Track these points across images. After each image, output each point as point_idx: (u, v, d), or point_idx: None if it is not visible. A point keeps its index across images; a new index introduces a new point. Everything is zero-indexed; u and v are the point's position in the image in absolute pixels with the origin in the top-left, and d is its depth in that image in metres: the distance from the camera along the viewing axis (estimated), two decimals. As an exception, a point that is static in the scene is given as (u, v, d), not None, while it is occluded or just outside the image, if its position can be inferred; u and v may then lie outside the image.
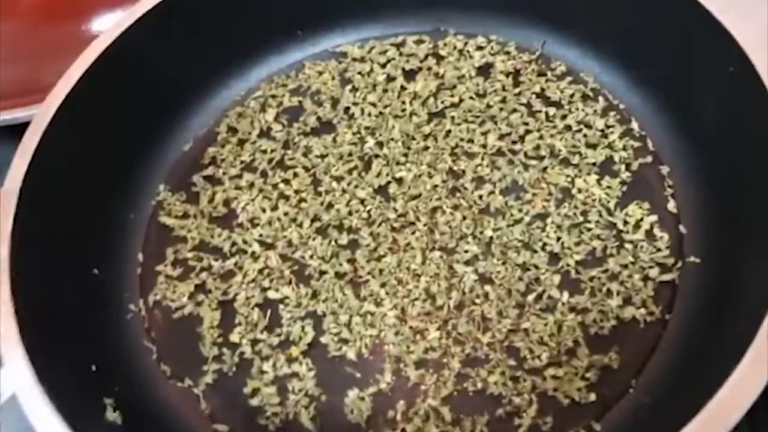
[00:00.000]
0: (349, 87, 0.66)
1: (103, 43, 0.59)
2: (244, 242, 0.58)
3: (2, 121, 0.69)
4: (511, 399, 0.49)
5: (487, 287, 0.53)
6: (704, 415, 0.38)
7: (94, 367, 0.50)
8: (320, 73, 0.68)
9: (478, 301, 0.53)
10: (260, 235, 0.59)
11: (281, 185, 0.61)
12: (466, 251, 0.55)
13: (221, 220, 0.60)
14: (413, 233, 0.57)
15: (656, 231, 0.55)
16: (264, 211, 0.60)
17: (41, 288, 0.50)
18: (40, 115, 0.55)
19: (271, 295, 0.56)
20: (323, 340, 0.53)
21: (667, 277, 0.52)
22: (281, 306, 0.55)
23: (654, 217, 0.55)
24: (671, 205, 0.56)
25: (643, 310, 0.51)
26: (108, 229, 0.59)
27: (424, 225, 0.57)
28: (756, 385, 0.38)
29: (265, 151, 0.63)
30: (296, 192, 0.61)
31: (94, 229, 0.58)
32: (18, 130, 0.63)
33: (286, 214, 0.59)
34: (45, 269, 0.52)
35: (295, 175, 0.62)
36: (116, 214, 0.60)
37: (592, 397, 0.48)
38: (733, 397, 0.38)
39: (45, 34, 0.83)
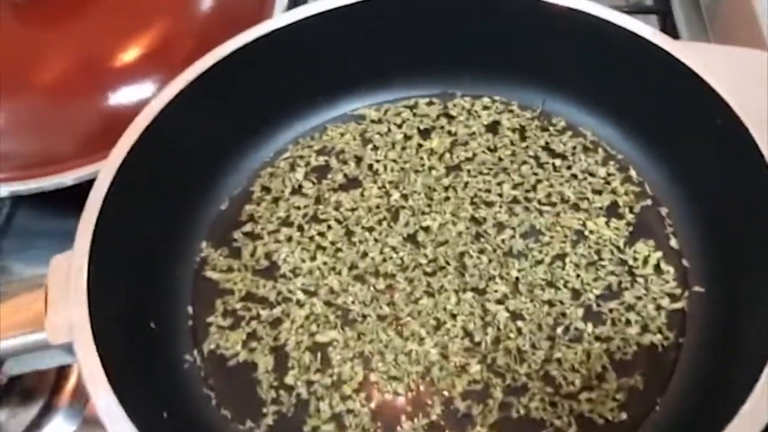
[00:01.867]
0: (370, 146, 0.73)
1: (147, 116, 0.63)
2: (289, 291, 0.63)
3: (21, 192, 0.72)
4: (552, 422, 0.54)
5: (519, 323, 0.59)
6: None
7: (165, 414, 0.53)
8: (342, 135, 0.74)
9: (512, 335, 0.59)
10: (303, 284, 0.63)
11: (317, 237, 0.66)
12: (496, 291, 0.61)
13: (264, 272, 0.65)
14: (445, 276, 0.62)
15: (663, 265, 0.62)
16: (304, 261, 0.65)
17: (114, 343, 0.53)
18: (99, 184, 0.59)
19: (320, 338, 0.60)
20: (373, 377, 0.58)
21: (676, 305, 0.59)
22: (330, 348, 0.59)
23: (659, 254, 0.62)
24: (673, 242, 0.63)
25: (659, 336, 0.58)
26: (158, 285, 0.63)
27: (454, 269, 0.63)
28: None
29: (298, 207, 0.69)
30: (332, 243, 0.66)
31: (146, 287, 0.62)
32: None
33: (324, 263, 0.64)
34: (114, 326, 0.55)
35: (329, 227, 0.67)
36: (165, 272, 0.64)
37: (624, 416, 0.54)
38: (755, 412, 0.44)
39: (62, 109, 0.84)
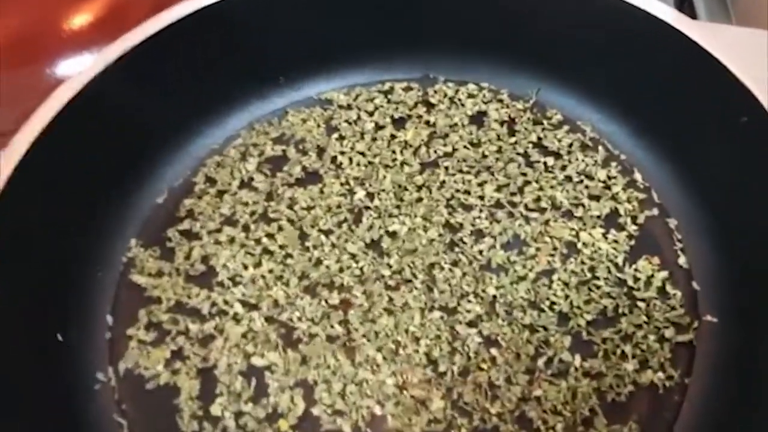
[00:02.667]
0: (335, 135, 0.63)
1: (70, 89, 0.54)
2: (225, 303, 0.53)
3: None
4: (526, 476, 0.45)
5: (494, 350, 0.50)
6: None
7: (57, 448, 0.44)
8: (304, 121, 0.64)
9: (484, 366, 0.49)
10: (243, 295, 0.54)
11: (265, 240, 0.57)
12: (468, 311, 0.52)
13: (199, 279, 0.55)
14: (410, 291, 0.53)
15: (668, 288, 0.52)
16: (246, 268, 0.55)
17: (3, 361, 0.44)
18: (2, 168, 0.50)
19: (256, 361, 0.51)
20: (315, 411, 0.48)
21: (683, 337, 0.49)
22: (267, 373, 0.50)
23: (665, 273, 0.52)
24: (682, 260, 0.53)
25: (661, 374, 0.48)
26: (73, 288, 0.54)
27: (422, 283, 0.53)
28: None
29: (246, 204, 0.59)
30: (281, 247, 0.56)
31: (57, 290, 0.52)
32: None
33: (270, 271, 0.55)
34: (2, 334, 0.46)
35: (280, 228, 0.57)
36: (83, 272, 0.55)
37: (614, 472, 0.45)
38: None
39: (4, 78, 0.78)
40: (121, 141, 0.58)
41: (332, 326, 0.52)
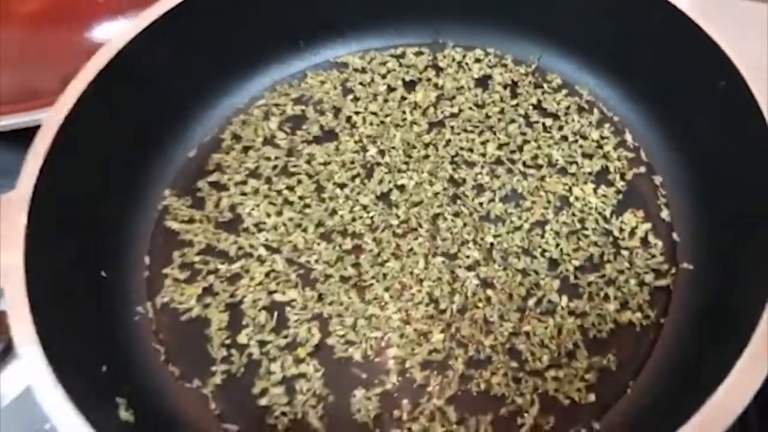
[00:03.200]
0: (350, 97, 0.68)
1: (109, 52, 0.60)
2: (251, 246, 0.59)
3: (1, 127, 0.69)
4: (513, 399, 0.51)
5: (489, 291, 0.55)
6: (699, 417, 0.40)
7: (104, 368, 0.50)
8: (322, 83, 0.70)
9: (480, 304, 0.55)
10: (266, 240, 0.60)
11: (285, 191, 0.62)
12: (468, 257, 0.57)
13: (227, 225, 0.61)
14: (416, 239, 0.58)
15: (651, 238, 0.57)
16: (269, 216, 0.61)
17: (52, 290, 0.50)
18: (49, 121, 0.55)
19: (278, 297, 0.57)
20: (330, 341, 0.54)
21: (661, 282, 0.55)
22: (288, 308, 0.56)
23: (648, 225, 0.57)
24: (665, 214, 0.58)
25: (639, 314, 0.53)
26: (114, 233, 0.60)
27: (426, 231, 0.59)
28: (749, 390, 0.40)
29: (269, 158, 0.65)
30: (300, 198, 0.62)
31: (101, 234, 0.58)
32: (16, 136, 0.65)
33: (290, 219, 0.61)
34: (55, 271, 0.52)
35: (299, 181, 0.63)
36: (122, 218, 0.61)
37: (592, 397, 0.50)
38: (727, 400, 0.40)
39: (43, 41, 0.83)
40: (155, 101, 0.64)
41: (345, 268, 0.57)
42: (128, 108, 0.62)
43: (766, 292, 0.43)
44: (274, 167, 0.64)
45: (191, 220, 0.62)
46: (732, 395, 0.40)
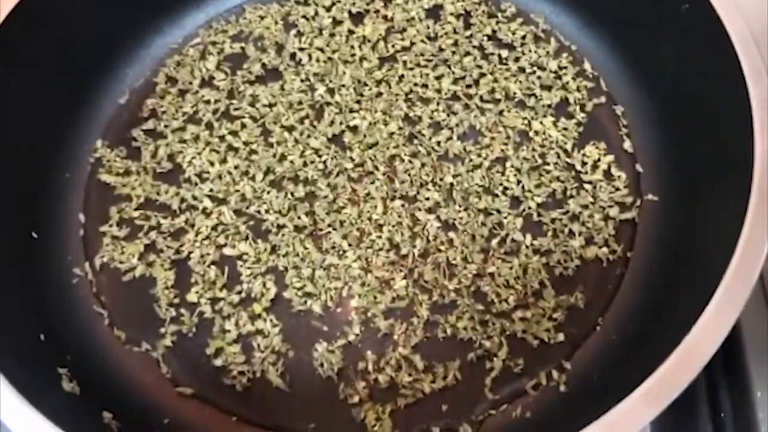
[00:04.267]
0: (293, 32, 0.63)
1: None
2: (194, 198, 0.55)
3: None
4: (481, 343, 0.49)
5: (451, 234, 0.53)
6: (674, 358, 0.38)
7: (42, 336, 0.47)
8: (262, 18, 0.64)
9: (442, 248, 0.52)
10: (210, 190, 0.56)
11: (229, 137, 0.58)
12: (428, 199, 0.54)
13: (167, 176, 0.57)
14: (372, 183, 0.55)
15: (614, 170, 0.55)
16: (212, 164, 0.57)
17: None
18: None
19: (228, 251, 0.53)
20: (286, 295, 0.51)
21: (626, 215, 0.53)
22: (239, 262, 0.53)
23: (611, 157, 0.56)
24: (627, 145, 0.56)
25: (605, 249, 0.52)
26: (43, 189, 0.55)
27: (383, 174, 0.56)
28: (725, 326, 0.39)
29: (208, 102, 0.60)
30: (245, 144, 0.58)
31: (28, 191, 0.54)
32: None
33: (236, 167, 0.57)
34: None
35: (243, 126, 0.59)
36: (52, 174, 0.56)
37: (561, 337, 0.49)
38: (702, 339, 0.39)
39: None
40: (79, 42, 0.58)
41: (299, 217, 0.54)
42: (48, 48, 0.56)
43: (736, 224, 0.42)
44: (215, 111, 0.59)
45: (127, 173, 0.57)
46: (705, 333, 0.39)
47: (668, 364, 0.38)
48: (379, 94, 0.59)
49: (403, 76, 0.60)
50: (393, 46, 0.62)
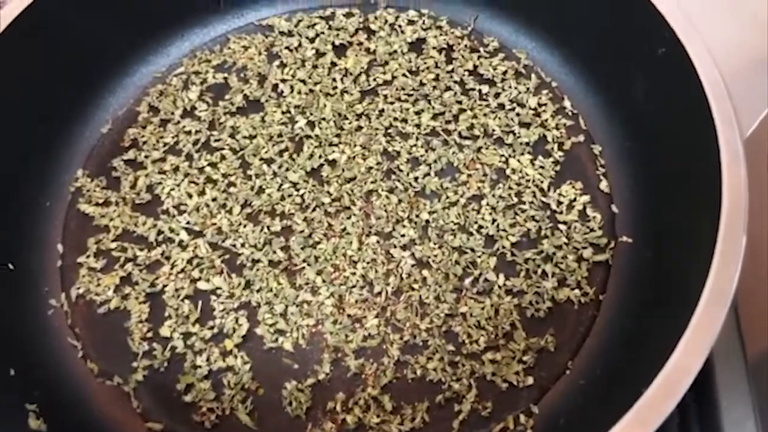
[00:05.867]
0: (276, 63, 0.64)
1: (11, 12, 0.54)
2: (171, 230, 0.56)
3: None
4: (450, 385, 0.49)
5: (425, 272, 0.53)
6: (645, 397, 0.38)
7: (12, 371, 0.47)
8: (246, 48, 0.65)
9: (415, 286, 0.53)
10: (187, 223, 0.56)
11: (208, 169, 0.58)
12: (403, 235, 0.55)
13: (145, 207, 0.57)
14: (349, 218, 0.56)
15: (589, 211, 0.55)
16: (190, 196, 0.57)
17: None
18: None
19: (202, 285, 0.53)
20: (258, 331, 0.52)
21: (600, 257, 0.53)
22: (213, 297, 0.53)
23: (587, 197, 0.56)
24: (603, 185, 0.56)
25: (577, 291, 0.52)
26: (22, 218, 0.55)
27: (360, 209, 0.56)
28: (692, 371, 0.39)
29: (189, 132, 0.60)
30: (224, 176, 0.58)
31: (6, 221, 0.54)
32: None
33: (214, 199, 0.57)
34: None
35: (223, 157, 0.59)
36: (31, 203, 0.56)
37: (530, 380, 0.49)
38: (668, 385, 0.38)
39: None
40: (64, 68, 0.59)
41: (274, 252, 0.54)
42: (32, 77, 0.57)
43: (706, 266, 0.42)
44: (195, 142, 0.60)
45: (106, 203, 0.58)
46: (675, 375, 0.39)
47: (639, 404, 0.38)
48: (359, 127, 0.60)
49: (383, 110, 0.60)
50: (375, 79, 0.62)
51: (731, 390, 0.52)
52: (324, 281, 0.53)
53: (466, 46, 0.63)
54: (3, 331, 0.50)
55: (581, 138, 0.59)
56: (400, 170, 0.57)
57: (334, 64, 0.63)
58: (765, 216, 0.59)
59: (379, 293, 0.53)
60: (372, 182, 0.57)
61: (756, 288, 0.63)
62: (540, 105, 0.60)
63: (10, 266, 0.53)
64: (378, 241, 0.54)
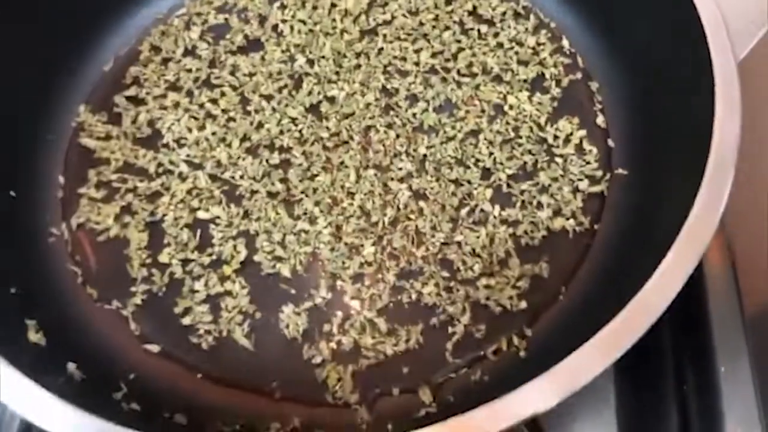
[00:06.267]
0: (277, 4, 0.64)
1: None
2: (171, 163, 0.56)
3: None
4: (444, 308, 0.50)
5: (421, 203, 0.54)
6: (629, 308, 0.39)
7: (13, 290, 0.48)
8: (247, -10, 0.65)
9: (412, 216, 0.53)
10: (187, 156, 0.56)
11: (208, 105, 0.59)
12: (400, 168, 0.55)
13: (146, 141, 0.58)
14: (347, 152, 0.56)
15: (585, 145, 0.56)
16: (190, 131, 0.58)
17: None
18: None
19: (201, 215, 0.54)
20: (256, 258, 0.52)
21: (595, 189, 0.54)
22: (212, 226, 0.54)
23: (583, 132, 0.56)
24: (600, 120, 0.57)
25: (572, 221, 0.52)
26: (25, 151, 0.56)
27: (358, 144, 0.56)
28: (674, 287, 0.39)
29: (190, 70, 0.61)
30: (224, 111, 0.58)
31: (9, 152, 0.55)
32: None
33: (214, 134, 0.57)
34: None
35: (223, 94, 0.59)
36: (33, 136, 0.57)
37: (523, 304, 0.50)
38: (654, 294, 0.39)
39: None
40: (68, 9, 0.59)
41: (273, 183, 0.55)
42: (38, 16, 0.57)
43: (689, 197, 0.42)
44: (196, 79, 0.60)
45: (108, 137, 0.58)
46: (652, 297, 0.39)
47: (622, 315, 0.39)
48: (358, 66, 0.60)
49: (382, 49, 0.61)
50: (374, 19, 0.62)
51: (724, 328, 0.53)
52: (322, 212, 0.54)
53: (465, -14, 0.64)
54: (4, 254, 0.50)
55: (579, 75, 0.59)
56: (399, 106, 0.58)
57: (333, 5, 0.64)
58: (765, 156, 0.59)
59: (376, 223, 0.53)
60: (370, 118, 0.57)
61: (754, 241, 0.63)
62: (539, 44, 0.60)
63: (12, 194, 0.53)
64: (376, 174, 0.55)
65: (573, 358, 0.38)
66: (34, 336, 0.45)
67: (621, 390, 0.53)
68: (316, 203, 0.54)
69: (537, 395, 0.37)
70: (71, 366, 0.44)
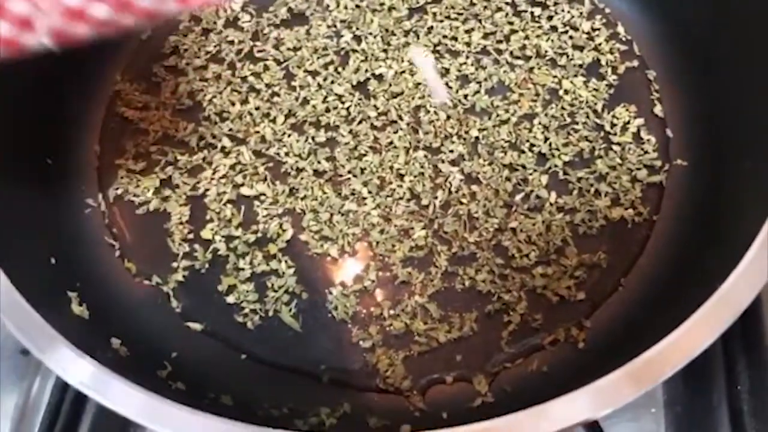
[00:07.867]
0: (322, -23, 0.62)
1: None
2: (213, 137, 0.54)
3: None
4: (500, 296, 0.48)
5: (474, 187, 0.52)
6: (695, 318, 0.36)
7: (53, 260, 0.45)
8: (291, -37, 0.63)
9: (464, 200, 0.51)
10: (230, 130, 0.54)
11: (251, 78, 0.57)
12: (452, 151, 0.53)
13: (186, 113, 0.56)
14: (395, 132, 0.54)
15: (643, 134, 0.54)
16: (233, 104, 0.56)
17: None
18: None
19: (245, 191, 0.52)
20: (303, 237, 0.50)
21: (654, 178, 0.52)
22: (256, 203, 0.52)
23: (641, 120, 0.54)
24: (658, 109, 0.55)
25: (631, 211, 0.51)
26: (61, 118, 0.54)
27: (407, 124, 0.54)
28: (751, 290, 0.37)
29: (232, 42, 0.59)
30: (267, 86, 0.56)
31: (46, 119, 0.52)
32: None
33: (257, 108, 0.55)
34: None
35: (266, 68, 0.57)
36: (70, 104, 0.55)
37: (581, 295, 0.48)
38: (724, 303, 0.37)
39: None
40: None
41: (319, 162, 0.53)
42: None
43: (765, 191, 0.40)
44: (238, 52, 0.58)
45: (146, 107, 0.56)
46: (730, 298, 0.37)
47: (687, 325, 0.36)
48: (407, 44, 0.58)
49: (432, 27, 0.59)
50: (423, -3, 0.61)
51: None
52: (370, 192, 0.52)
53: (517, -31, 0.62)
54: (42, 221, 0.48)
55: (635, 63, 0.57)
56: (450, 87, 0.56)
57: (382, -20, 0.61)
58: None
59: (427, 206, 0.51)
60: (420, 98, 0.55)
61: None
62: (593, 29, 0.59)
63: (48, 161, 0.51)
64: (426, 156, 0.53)
65: (641, 360, 0.35)
66: (77, 309, 0.43)
67: (670, 388, 0.52)
68: (364, 183, 0.52)
69: (613, 390, 0.35)
70: (115, 341, 0.42)
